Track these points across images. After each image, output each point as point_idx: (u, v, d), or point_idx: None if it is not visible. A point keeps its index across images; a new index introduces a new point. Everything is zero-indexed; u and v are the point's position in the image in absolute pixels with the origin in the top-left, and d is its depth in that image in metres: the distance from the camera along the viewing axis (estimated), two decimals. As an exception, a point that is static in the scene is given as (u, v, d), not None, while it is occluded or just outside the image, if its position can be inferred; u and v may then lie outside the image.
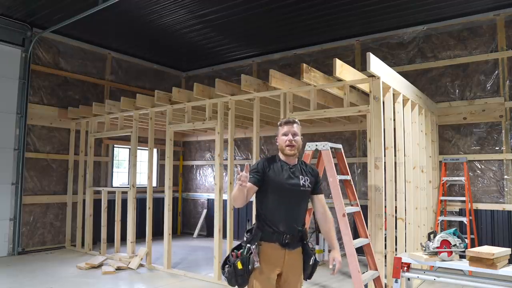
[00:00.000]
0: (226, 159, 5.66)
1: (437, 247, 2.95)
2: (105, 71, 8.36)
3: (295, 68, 7.67)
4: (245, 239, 2.46)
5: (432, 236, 3.04)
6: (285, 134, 2.54)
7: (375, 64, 3.91)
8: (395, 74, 4.58)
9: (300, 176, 2.54)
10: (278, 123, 2.65)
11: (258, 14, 6.45)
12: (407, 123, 4.80)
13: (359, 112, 4.40)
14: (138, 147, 6.67)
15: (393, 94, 4.42)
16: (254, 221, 2.63)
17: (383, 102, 4.15)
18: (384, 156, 4.02)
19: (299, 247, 2.53)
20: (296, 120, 2.65)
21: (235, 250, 2.47)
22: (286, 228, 2.44)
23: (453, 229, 3.06)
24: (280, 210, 2.45)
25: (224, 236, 5.32)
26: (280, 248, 2.42)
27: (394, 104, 4.48)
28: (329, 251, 2.61)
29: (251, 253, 2.38)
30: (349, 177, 3.92)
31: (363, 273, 3.56)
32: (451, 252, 2.93)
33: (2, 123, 6.69)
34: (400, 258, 3.06)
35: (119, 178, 8.83)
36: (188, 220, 9.64)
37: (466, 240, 3.46)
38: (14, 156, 6.82)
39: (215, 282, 5.18)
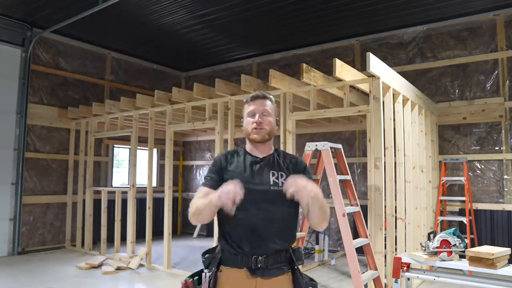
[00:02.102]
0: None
1: (437, 247, 2.95)
2: (105, 71, 8.36)
3: (295, 68, 7.67)
4: (203, 262, 1.82)
5: (431, 236, 3.04)
6: (252, 114, 1.87)
7: (375, 64, 3.92)
8: (395, 74, 4.59)
9: (272, 172, 1.83)
10: (244, 100, 1.96)
11: (258, 14, 6.46)
12: (407, 123, 4.80)
13: (359, 112, 4.41)
14: (138, 147, 6.66)
15: (393, 94, 4.42)
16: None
17: (383, 102, 4.16)
18: (384, 156, 4.03)
19: (284, 273, 1.79)
20: (269, 95, 1.93)
21: (187, 278, 1.84)
22: (252, 247, 1.74)
23: (453, 229, 3.06)
24: (243, 221, 1.75)
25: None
26: (248, 276, 1.73)
27: (394, 104, 4.48)
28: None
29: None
30: (349, 177, 3.93)
31: (363, 273, 3.56)
32: (451, 252, 2.93)
33: (2, 123, 6.69)
34: (400, 258, 3.06)
35: (119, 178, 8.83)
36: (188, 220, 9.62)
37: (465, 240, 3.46)
38: (14, 156, 6.82)
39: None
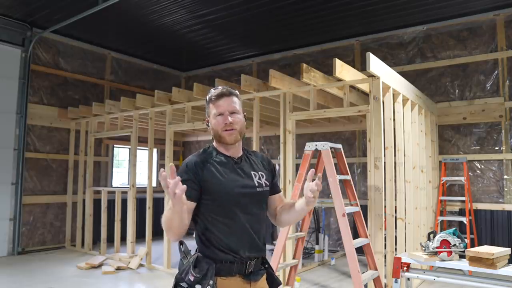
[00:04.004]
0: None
1: (437, 247, 2.95)
2: (105, 71, 8.36)
3: (295, 68, 7.67)
4: (191, 278, 1.61)
5: (431, 236, 3.04)
6: (221, 114, 1.74)
7: (375, 64, 3.92)
8: (395, 74, 4.59)
9: (252, 173, 1.79)
10: (207, 98, 1.79)
11: (258, 14, 6.46)
12: (406, 123, 4.80)
13: (359, 112, 4.40)
14: (138, 147, 6.66)
15: (393, 94, 4.42)
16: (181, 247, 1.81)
17: (383, 102, 4.16)
18: (384, 156, 4.03)
19: (264, 273, 1.80)
20: (234, 90, 1.81)
21: None
22: (249, 251, 1.71)
23: (453, 229, 3.07)
24: (237, 227, 1.69)
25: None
26: (243, 282, 1.70)
27: (394, 104, 4.48)
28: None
29: None
30: (349, 177, 3.92)
31: (363, 273, 3.56)
32: (451, 252, 2.93)
33: (2, 123, 6.69)
34: (400, 258, 3.06)
35: (119, 178, 8.83)
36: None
37: (465, 240, 3.46)
38: (14, 156, 6.82)
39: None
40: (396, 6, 6.08)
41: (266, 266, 1.81)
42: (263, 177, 1.82)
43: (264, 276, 1.80)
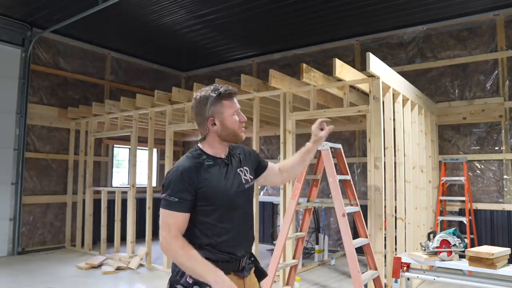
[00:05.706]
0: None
1: (437, 247, 2.96)
2: (105, 71, 8.36)
3: (295, 68, 7.68)
4: (190, 281, 1.59)
5: (431, 236, 3.05)
6: (236, 112, 1.75)
7: (375, 64, 3.92)
8: (395, 74, 4.59)
9: (239, 170, 1.80)
10: (214, 93, 1.71)
11: (258, 14, 6.46)
12: (406, 123, 4.80)
13: (359, 112, 4.41)
14: (138, 147, 6.66)
15: (393, 94, 4.42)
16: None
17: (383, 102, 4.16)
18: (384, 156, 4.03)
19: (252, 266, 1.83)
20: None
21: None
22: (245, 249, 1.76)
23: (453, 229, 3.07)
24: (233, 228, 1.71)
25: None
26: (237, 279, 1.71)
27: (393, 104, 4.48)
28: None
29: None
30: (348, 177, 3.92)
31: (363, 273, 3.56)
32: (451, 252, 2.93)
33: (2, 123, 6.69)
34: (400, 258, 3.06)
35: (119, 178, 8.83)
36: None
37: (465, 240, 3.46)
38: (14, 156, 6.82)
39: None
40: (396, 6, 6.08)
41: (252, 259, 1.84)
42: (247, 172, 1.84)
43: (253, 270, 1.84)
